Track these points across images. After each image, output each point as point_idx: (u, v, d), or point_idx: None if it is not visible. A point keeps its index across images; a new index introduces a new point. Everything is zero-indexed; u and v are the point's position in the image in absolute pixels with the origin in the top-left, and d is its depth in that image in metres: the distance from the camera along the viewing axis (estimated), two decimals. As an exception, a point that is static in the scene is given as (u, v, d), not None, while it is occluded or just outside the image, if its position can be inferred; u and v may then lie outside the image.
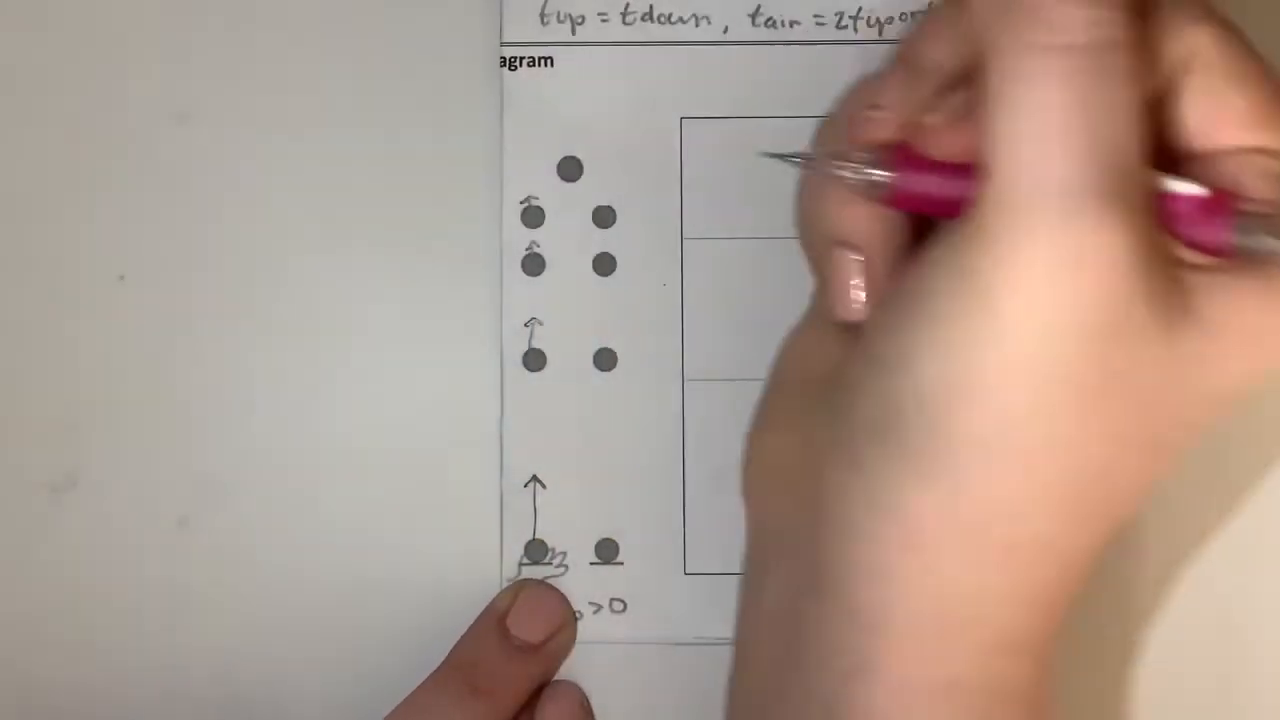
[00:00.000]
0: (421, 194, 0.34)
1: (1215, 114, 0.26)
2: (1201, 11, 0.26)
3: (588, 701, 0.34)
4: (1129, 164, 0.24)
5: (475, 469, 0.34)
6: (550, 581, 0.34)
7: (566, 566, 0.34)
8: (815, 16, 0.34)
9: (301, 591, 0.34)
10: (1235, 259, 0.25)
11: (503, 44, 0.34)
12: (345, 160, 0.34)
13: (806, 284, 0.29)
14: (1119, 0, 0.24)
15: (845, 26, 0.34)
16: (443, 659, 0.33)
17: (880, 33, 0.34)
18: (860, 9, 0.34)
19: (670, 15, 0.34)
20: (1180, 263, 0.25)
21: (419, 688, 0.33)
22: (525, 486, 0.34)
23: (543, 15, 0.34)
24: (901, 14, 0.34)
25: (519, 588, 0.34)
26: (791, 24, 0.34)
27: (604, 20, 0.34)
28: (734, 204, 0.34)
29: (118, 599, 0.34)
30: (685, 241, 0.34)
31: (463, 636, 0.33)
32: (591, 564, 0.34)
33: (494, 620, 0.33)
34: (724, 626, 0.29)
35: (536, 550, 0.34)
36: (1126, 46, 0.24)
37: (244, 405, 0.34)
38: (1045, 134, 0.24)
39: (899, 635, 0.25)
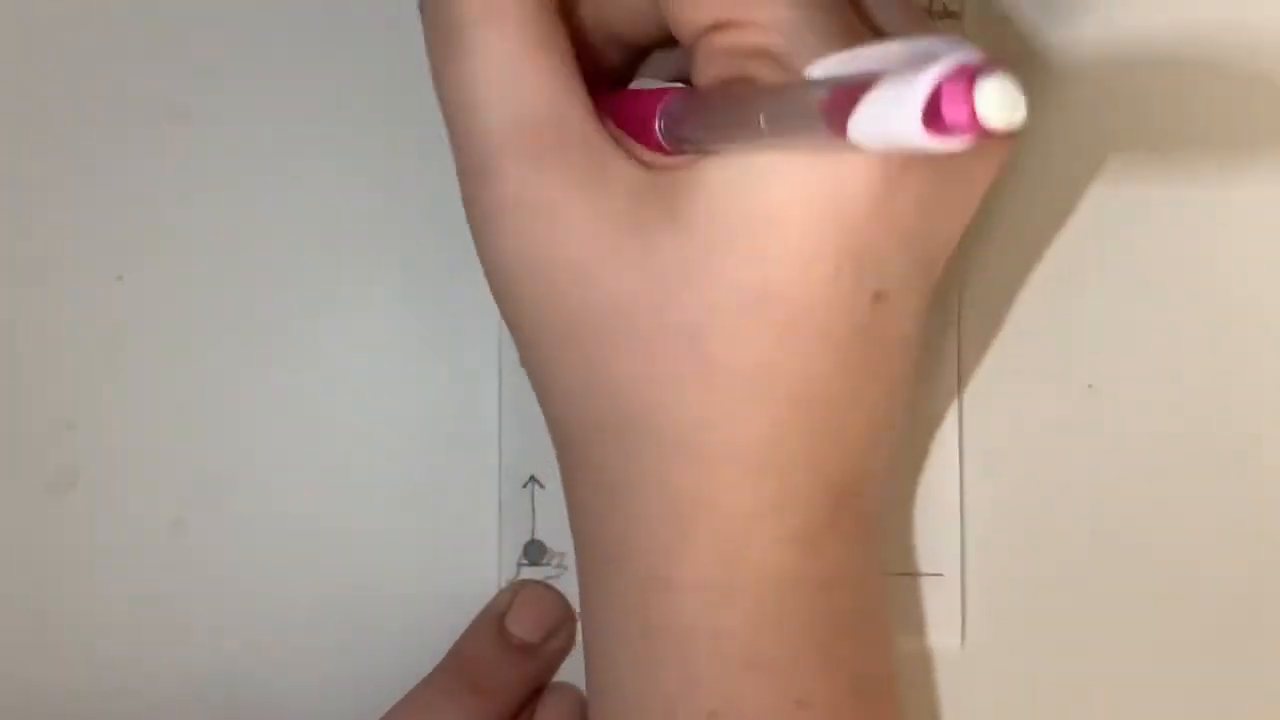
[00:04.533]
0: (420, 193, 0.34)
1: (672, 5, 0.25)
2: None
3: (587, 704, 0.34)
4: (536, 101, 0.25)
5: (473, 469, 0.34)
6: (549, 582, 0.34)
7: (565, 568, 0.34)
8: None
9: (299, 591, 0.34)
10: (692, 153, 0.24)
11: (501, 41, 0.33)
12: (344, 160, 0.34)
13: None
14: None
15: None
16: (441, 659, 0.33)
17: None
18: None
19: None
20: (654, 170, 0.25)
21: (417, 687, 0.33)
22: (524, 487, 0.34)
23: (541, 12, 0.33)
24: None
25: (518, 587, 0.33)
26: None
27: (603, 16, 0.33)
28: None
29: (116, 598, 0.34)
30: (685, 240, 0.33)
31: (461, 636, 0.33)
32: (590, 565, 0.34)
33: (493, 620, 0.33)
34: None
35: (535, 551, 0.34)
36: None
37: (242, 405, 0.34)
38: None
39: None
